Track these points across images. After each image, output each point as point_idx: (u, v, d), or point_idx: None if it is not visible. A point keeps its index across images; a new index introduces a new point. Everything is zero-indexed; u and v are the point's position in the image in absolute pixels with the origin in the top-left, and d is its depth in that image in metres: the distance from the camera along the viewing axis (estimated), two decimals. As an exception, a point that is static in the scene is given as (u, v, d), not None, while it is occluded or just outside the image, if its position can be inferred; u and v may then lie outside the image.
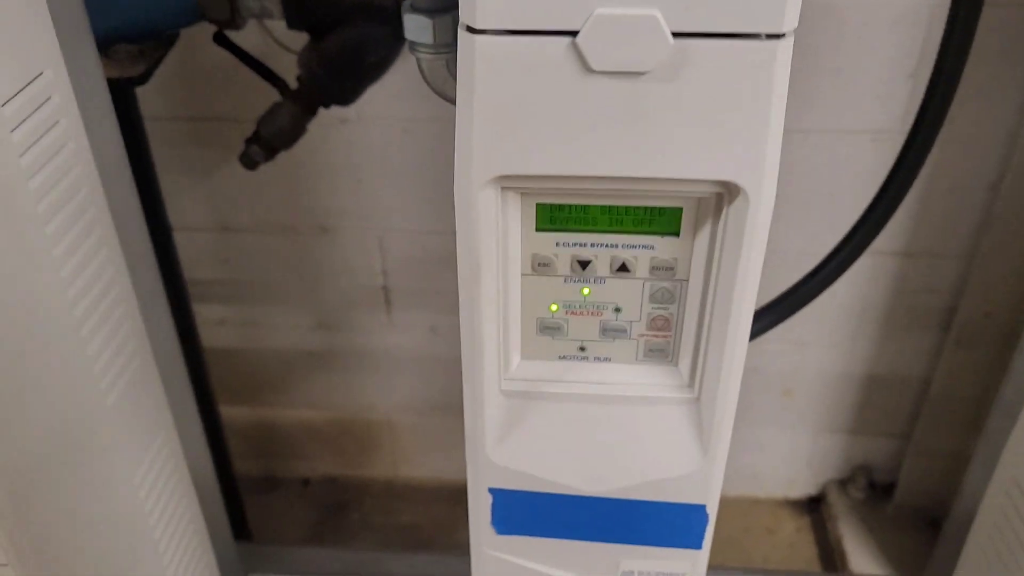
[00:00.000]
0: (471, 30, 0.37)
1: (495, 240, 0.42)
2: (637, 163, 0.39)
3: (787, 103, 0.38)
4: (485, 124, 0.38)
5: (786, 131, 1.22)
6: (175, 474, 0.71)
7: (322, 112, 1.14)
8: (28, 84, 0.51)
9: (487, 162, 0.39)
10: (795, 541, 1.39)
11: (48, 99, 0.53)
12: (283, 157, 1.15)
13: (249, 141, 0.98)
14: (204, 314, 1.37)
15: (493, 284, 0.44)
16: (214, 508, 0.81)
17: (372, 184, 1.22)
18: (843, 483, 1.43)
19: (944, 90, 0.59)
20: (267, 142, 0.98)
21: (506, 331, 0.46)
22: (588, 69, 0.37)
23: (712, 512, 0.50)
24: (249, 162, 0.99)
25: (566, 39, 0.36)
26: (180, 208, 1.26)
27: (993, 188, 1.13)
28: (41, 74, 0.52)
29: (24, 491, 0.53)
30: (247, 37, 0.98)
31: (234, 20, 0.83)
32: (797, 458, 1.43)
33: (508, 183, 0.41)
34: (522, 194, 0.42)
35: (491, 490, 0.50)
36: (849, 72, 1.05)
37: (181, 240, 1.27)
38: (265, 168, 1.18)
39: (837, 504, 1.39)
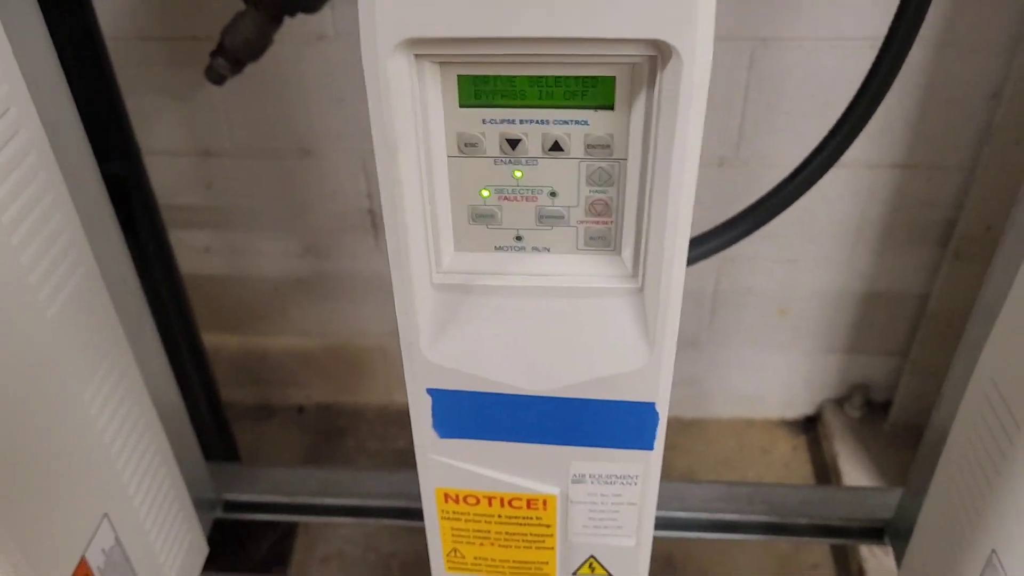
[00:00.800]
0: None
1: (413, 117, 0.39)
2: (557, 21, 0.35)
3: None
4: (386, -22, 0.34)
5: (778, 39, 1.16)
6: (131, 393, 0.69)
7: (298, 29, 1.10)
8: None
9: (392, 24, 0.35)
10: (790, 461, 1.37)
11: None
12: (261, 77, 1.11)
13: (214, 54, 0.95)
14: (188, 241, 1.35)
15: (415, 167, 0.40)
16: (180, 428, 0.80)
17: (354, 103, 1.19)
18: (839, 402, 1.41)
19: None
20: (232, 54, 0.94)
21: (435, 220, 0.43)
22: None
23: (663, 411, 0.47)
24: (215, 76, 0.96)
25: None
26: (159, 132, 1.23)
27: (995, 96, 1.08)
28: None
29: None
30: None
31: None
32: (793, 378, 1.40)
33: (420, 49, 0.37)
34: (440, 64, 0.39)
35: (429, 391, 0.47)
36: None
37: (161, 164, 1.24)
38: (244, 89, 1.14)
39: (833, 423, 1.37)
